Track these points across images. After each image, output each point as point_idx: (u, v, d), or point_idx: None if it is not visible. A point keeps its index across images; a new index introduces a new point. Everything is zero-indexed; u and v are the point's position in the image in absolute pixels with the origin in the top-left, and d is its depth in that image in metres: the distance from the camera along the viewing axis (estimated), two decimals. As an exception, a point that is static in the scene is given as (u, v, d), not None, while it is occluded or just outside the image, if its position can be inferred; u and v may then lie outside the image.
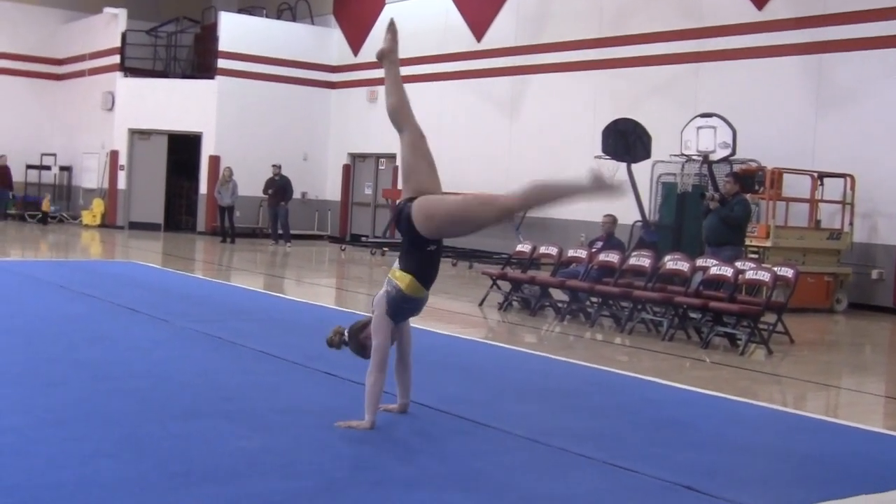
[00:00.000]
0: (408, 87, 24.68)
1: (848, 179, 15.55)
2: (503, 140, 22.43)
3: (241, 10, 28.87)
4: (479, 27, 23.27)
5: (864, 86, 15.99)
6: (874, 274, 15.74)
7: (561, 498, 4.79)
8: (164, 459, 4.95)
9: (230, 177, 24.08)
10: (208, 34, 27.90)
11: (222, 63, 26.28)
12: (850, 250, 15.55)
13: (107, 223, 27.06)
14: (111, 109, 26.98)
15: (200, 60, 28.51)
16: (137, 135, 26.77)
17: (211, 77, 26.43)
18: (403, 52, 27.01)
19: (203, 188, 26.28)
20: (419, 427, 6.03)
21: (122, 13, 27.31)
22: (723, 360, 10.01)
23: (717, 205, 12.65)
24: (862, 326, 14.16)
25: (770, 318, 10.92)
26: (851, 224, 15.59)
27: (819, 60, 16.62)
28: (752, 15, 17.56)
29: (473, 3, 23.51)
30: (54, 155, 29.37)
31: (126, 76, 27.19)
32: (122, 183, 26.81)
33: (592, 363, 8.98)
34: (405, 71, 27.78)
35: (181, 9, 29.34)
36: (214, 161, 25.84)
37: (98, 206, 27.27)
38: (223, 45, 26.33)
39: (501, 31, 22.73)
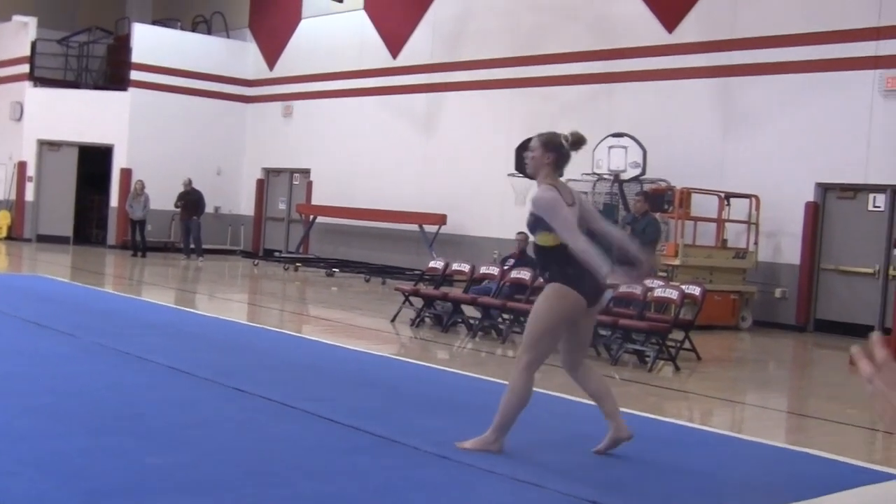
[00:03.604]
0: (324, 103, 24.75)
1: (753, 200, 15.91)
2: (418, 156, 22.51)
3: (155, 22, 28.53)
4: (394, 44, 23.35)
5: (769, 109, 16.40)
6: (777, 292, 16.12)
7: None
8: (70, 476, 4.88)
9: (142, 190, 23.77)
10: (122, 45, 27.53)
11: (135, 75, 25.96)
12: (755, 269, 15.90)
13: (13, 236, 26.49)
14: (20, 120, 26.45)
15: (113, 72, 28.11)
16: (47, 146, 26.29)
17: (124, 89, 26.09)
18: (319, 68, 27.01)
19: (114, 201, 25.89)
20: (329, 442, 6.03)
21: (32, 21, 26.83)
22: (632, 376, 10.16)
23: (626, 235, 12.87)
24: (766, 344, 14.48)
25: (678, 335, 11.12)
26: (756, 243, 15.95)
27: (726, 83, 17.01)
28: (663, 38, 17.91)
29: (389, 19, 23.59)
30: (-41, 165, 28.69)
31: (36, 86, 26.70)
32: (30, 195, 26.27)
33: (504, 379, 8.99)
34: (321, 86, 27.79)
35: (94, 19, 28.92)
36: (126, 174, 25.47)
37: (3, 217, 26.70)
38: (137, 57, 26.02)
39: (417, 49, 22.83)
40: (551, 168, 6.00)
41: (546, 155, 6.00)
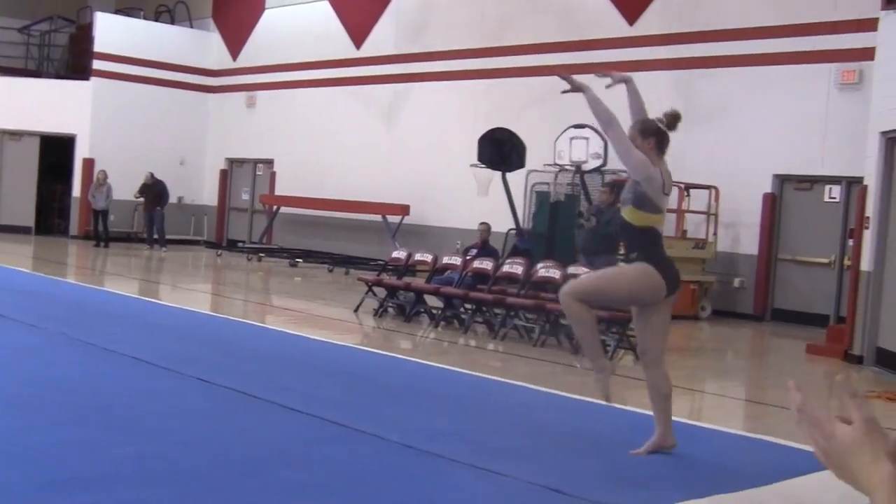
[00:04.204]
0: (287, 94, 24.66)
1: (712, 191, 16.12)
2: (382, 147, 22.56)
3: (117, 11, 28.29)
4: (358, 34, 23.36)
5: (729, 101, 16.60)
6: (736, 282, 16.35)
7: (432, 502, 4.94)
8: (38, 468, 4.90)
9: (105, 180, 23.66)
10: (84, 34, 27.33)
11: (98, 64, 25.78)
12: (714, 259, 16.11)
13: (-26, 226, 26.28)
14: (-20, 109, 26.20)
15: (75, 61, 27.89)
16: (8, 135, 26.05)
17: (86, 78, 25.90)
18: (282, 58, 26.89)
19: (76, 191, 25.72)
20: (295, 432, 6.11)
21: (-9, 10, 26.60)
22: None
23: (592, 225, 13.01)
24: (724, 333, 14.69)
25: (638, 324, 11.25)
26: (715, 234, 16.15)
27: (686, 76, 17.18)
28: (625, 30, 18.07)
29: (353, 10, 23.59)
30: (-83, 155, 28.36)
31: (-4, 75, 26.47)
32: (-10, 185, 26.07)
33: (466, 369, 9.16)
34: (284, 76, 27.67)
35: (55, 7, 28.63)
36: (89, 164, 25.32)
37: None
38: (99, 46, 25.82)
39: (381, 39, 22.85)
40: (655, 153, 6.07)
41: (646, 142, 6.08)
